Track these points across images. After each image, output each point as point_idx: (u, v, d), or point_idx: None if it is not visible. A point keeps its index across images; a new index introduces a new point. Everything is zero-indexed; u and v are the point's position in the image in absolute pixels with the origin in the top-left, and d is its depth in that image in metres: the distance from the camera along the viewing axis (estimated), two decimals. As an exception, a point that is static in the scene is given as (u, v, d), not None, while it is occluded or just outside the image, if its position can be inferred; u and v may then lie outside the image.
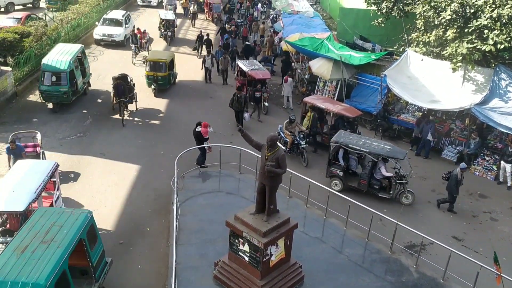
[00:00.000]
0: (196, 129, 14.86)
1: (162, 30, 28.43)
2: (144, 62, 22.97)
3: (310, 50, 20.76)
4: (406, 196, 13.93)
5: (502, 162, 15.41)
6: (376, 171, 13.98)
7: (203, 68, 23.01)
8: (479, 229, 13.32)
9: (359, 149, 13.87)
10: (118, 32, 26.60)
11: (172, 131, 17.58)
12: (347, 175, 14.52)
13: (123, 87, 17.81)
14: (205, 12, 35.14)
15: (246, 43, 26.77)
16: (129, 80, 18.69)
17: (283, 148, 15.61)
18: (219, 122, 18.52)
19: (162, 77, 20.63)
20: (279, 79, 22.90)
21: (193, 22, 32.64)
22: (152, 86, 20.64)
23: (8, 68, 18.58)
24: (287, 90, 20.41)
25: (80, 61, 19.52)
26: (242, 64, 20.93)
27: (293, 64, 23.45)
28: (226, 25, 29.68)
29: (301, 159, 15.89)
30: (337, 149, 14.45)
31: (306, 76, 21.96)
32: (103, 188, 13.80)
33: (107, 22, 27.27)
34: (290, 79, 20.54)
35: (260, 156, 9.36)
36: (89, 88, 20.26)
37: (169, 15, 29.13)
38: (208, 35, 26.33)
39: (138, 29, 26.34)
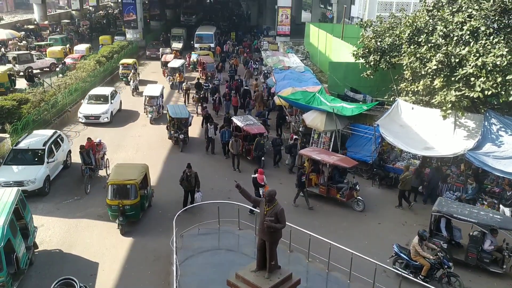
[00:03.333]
0: (253, 175, 15.50)
1: (172, 132, 21.85)
2: (104, 188, 16.17)
3: (303, 103, 21.19)
4: None
5: (501, 206, 15.39)
6: (484, 243, 12.94)
7: (206, 138, 21.38)
8: (485, 275, 13.07)
9: (466, 219, 12.74)
10: (32, 176, 16.18)
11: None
12: (451, 247, 13.34)
13: None
14: (199, 71, 36.11)
15: (245, 87, 28.59)
16: None
17: (409, 275, 11.95)
18: (215, 178, 18.58)
19: (132, 206, 14.37)
20: (274, 133, 23.23)
21: (185, 97, 29.08)
22: (118, 220, 14.38)
23: (6, 135, 18.79)
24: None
25: (18, 214, 12.40)
26: (237, 120, 21.32)
27: (287, 117, 23.87)
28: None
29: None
30: (439, 218, 13.58)
31: (300, 129, 22.30)
32: (101, 251, 13.59)
33: (18, 156, 17.15)
34: (295, 137, 20.71)
35: (259, 211, 9.34)
36: (35, 252, 13.06)
37: (181, 110, 21.90)
38: (198, 78, 28.04)
39: (89, 140, 18.46)
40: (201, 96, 27.38)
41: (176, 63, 33.86)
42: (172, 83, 32.54)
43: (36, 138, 17.96)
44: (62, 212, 15.65)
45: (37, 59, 35.07)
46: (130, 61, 34.66)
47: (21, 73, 32.48)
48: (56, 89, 25.78)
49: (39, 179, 16.31)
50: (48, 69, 34.99)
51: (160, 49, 42.72)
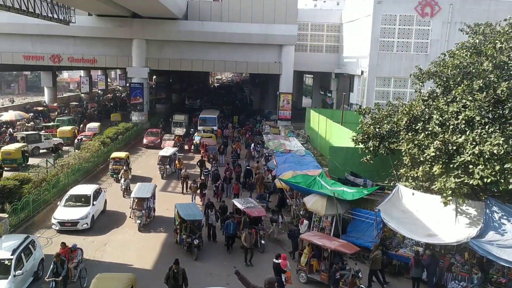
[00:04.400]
0: (275, 261, 14.95)
1: (184, 237, 18.73)
2: None
3: (304, 187, 21.27)
4: None
5: (509, 298, 14.87)
6: None
7: (207, 225, 20.40)
8: None
9: None
10: None
11: None
12: None
13: None
14: (201, 152, 36.62)
15: (247, 167, 29.00)
16: None
17: None
18: (214, 262, 18.15)
19: None
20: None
21: (183, 185, 27.49)
22: None
23: (5, 215, 18.67)
24: (304, 231, 19.89)
25: None
26: (238, 203, 21.27)
27: (287, 200, 23.81)
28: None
29: None
30: None
31: (301, 212, 22.16)
32: None
33: None
34: (306, 221, 20.22)
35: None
36: None
37: (194, 211, 19.20)
38: (202, 156, 28.70)
39: (63, 245, 15.86)
40: (200, 182, 26.07)
41: (167, 151, 32.20)
42: (164, 173, 30.52)
43: (5, 245, 15.33)
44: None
45: (45, 139, 36.13)
46: (122, 154, 30.23)
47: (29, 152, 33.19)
48: (58, 169, 26.05)
49: None
50: (53, 147, 35.61)
51: (163, 136, 40.91)
